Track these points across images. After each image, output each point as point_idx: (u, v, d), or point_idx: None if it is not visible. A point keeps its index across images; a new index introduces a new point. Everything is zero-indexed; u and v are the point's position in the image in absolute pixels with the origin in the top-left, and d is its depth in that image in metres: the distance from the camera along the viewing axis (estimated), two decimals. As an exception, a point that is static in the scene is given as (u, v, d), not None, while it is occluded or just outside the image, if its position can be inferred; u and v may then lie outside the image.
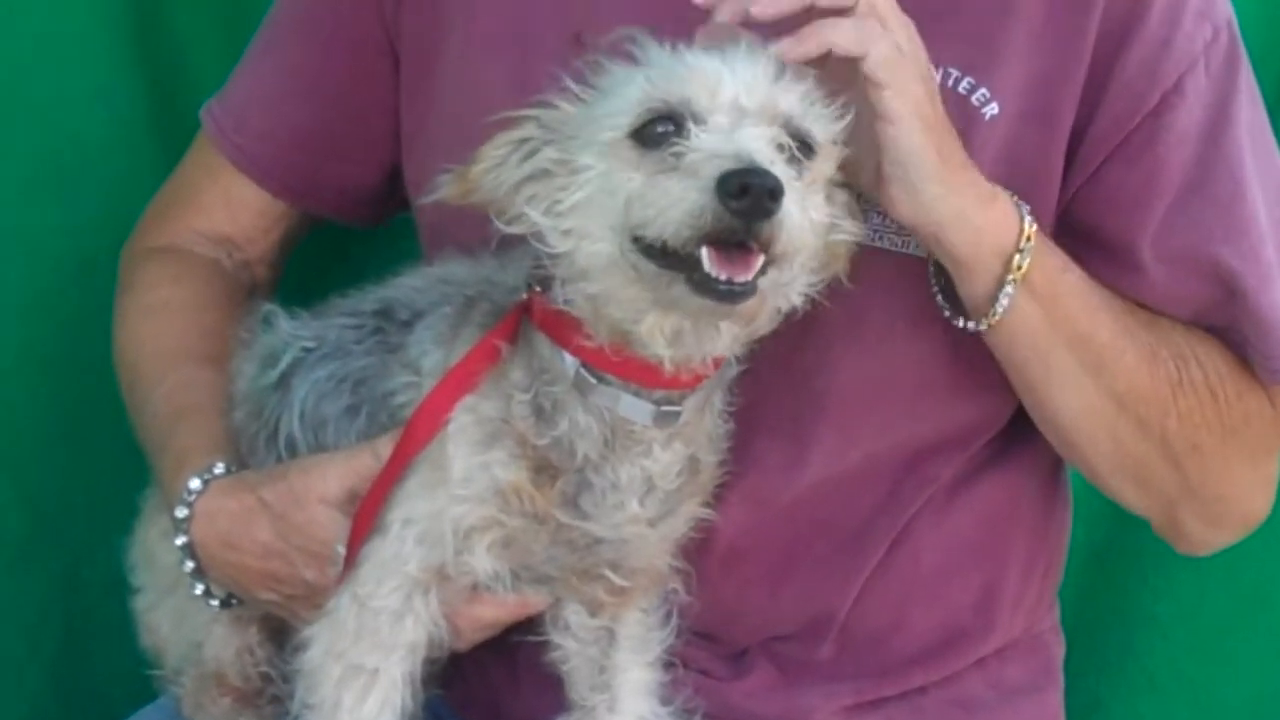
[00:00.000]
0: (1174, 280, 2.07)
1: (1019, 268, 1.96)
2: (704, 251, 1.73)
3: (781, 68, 1.82)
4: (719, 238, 1.73)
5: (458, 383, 1.94)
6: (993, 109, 2.04)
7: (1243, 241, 2.07)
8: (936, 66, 1.99)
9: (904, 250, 2.03)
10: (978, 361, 2.08)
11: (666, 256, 1.77)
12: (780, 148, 1.79)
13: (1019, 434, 2.21)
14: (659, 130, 1.79)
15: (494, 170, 1.87)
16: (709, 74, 1.80)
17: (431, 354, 2.00)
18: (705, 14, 1.86)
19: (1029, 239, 1.96)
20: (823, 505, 2.14)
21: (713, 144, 1.75)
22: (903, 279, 2.01)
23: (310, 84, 2.35)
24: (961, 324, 2.03)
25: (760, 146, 1.76)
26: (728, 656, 2.20)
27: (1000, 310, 1.98)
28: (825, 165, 1.86)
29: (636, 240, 1.79)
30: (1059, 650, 2.37)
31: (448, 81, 2.21)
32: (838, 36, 1.80)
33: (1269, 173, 2.12)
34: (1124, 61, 2.04)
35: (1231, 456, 2.13)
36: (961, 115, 2.02)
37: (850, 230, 1.91)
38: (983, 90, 2.04)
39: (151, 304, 2.34)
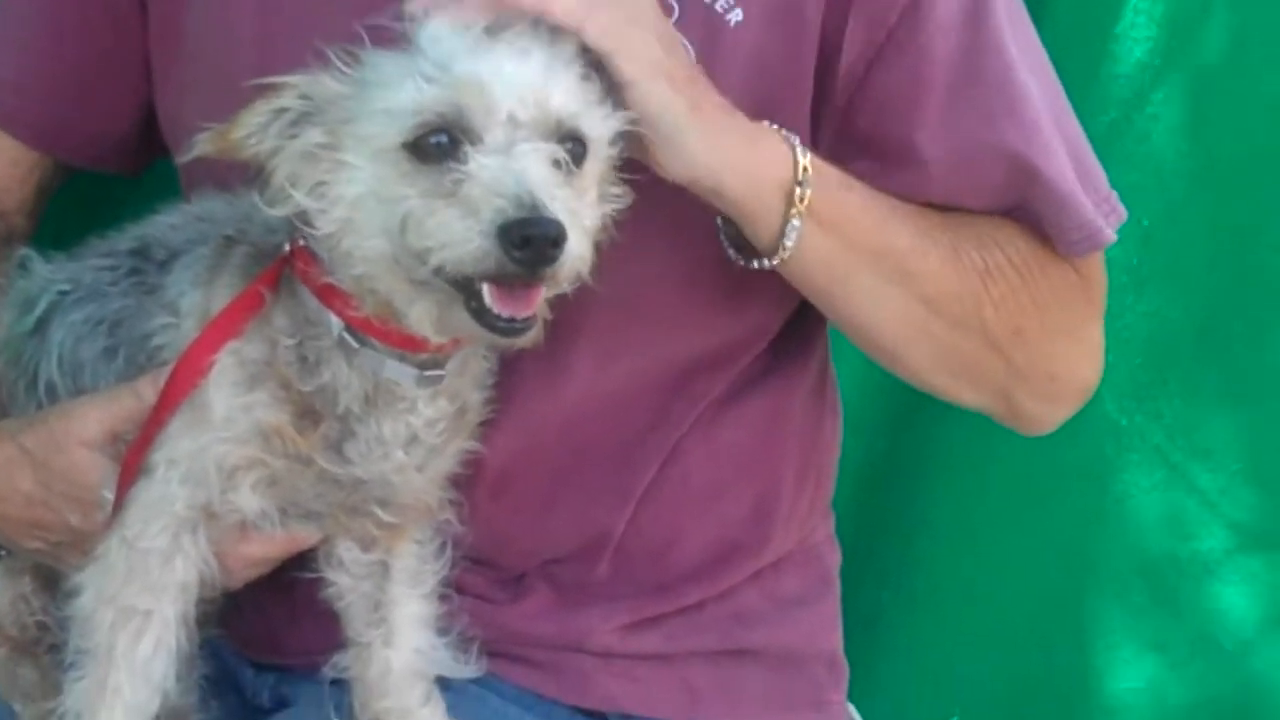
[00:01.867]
0: (961, 171, 2.09)
1: (801, 199, 1.96)
2: (485, 287, 1.75)
3: (553, 61, 1.82)
4: (501, 278, 1.74)
5: (221, 329, 1.93)
6: (737, 15, 2.04)
7: (1022, 118, 2.08)
8: None
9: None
10: (740, 277, 2.08)
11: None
12: (557, 163, 1.79)
13: (785, 347, 2.23)
14: (433, 141, 1.78)
15: (252, 137, 1.84)
16: (482, 83, 1.78)
17: (189, 295, 1.99)
18: None
19: (805, 169, 1.96)
20: (589, 426, 2.15)
21: (491, 175, 1.74)
22: (654, 194, 1.97)
23: (57, 30, 2.31)
24: (755, 265, 2.03)
25: (538, 173, 1.75)
26: (504, 581, 2.21)
27: (790, 245, 1.98)
28: (598, 162, 1.86)
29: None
30: (834, 560, 2.40)
31: (195, 18, 2.18)
32: (551, 7, 1.80)
33: (1031, 49, 2.15)
34: None
35: (1052, 332, 2.15)
36: (707, 24, 2.03)
37: (620, 202, 1.91)
38: None
39: None
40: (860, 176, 2.06)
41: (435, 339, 1.87)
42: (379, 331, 1.89)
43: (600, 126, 1.85)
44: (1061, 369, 2.19)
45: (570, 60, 1.84)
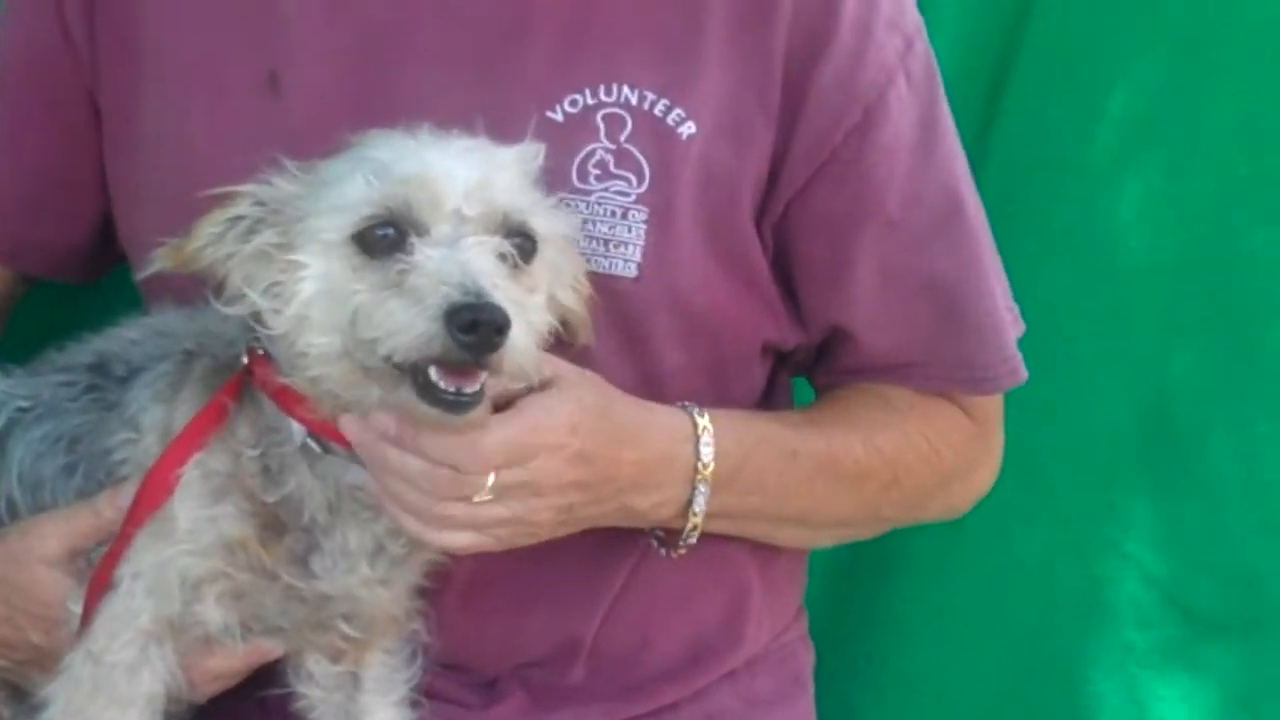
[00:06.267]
0: (891, 297, 2.12)
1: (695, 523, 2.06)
2: (432, 369, 1.76)
3: (497, 159, 1.86)
4: (447, 363, 1.75)
5: (187, 443, 1.94)
6: (689, 128, 2.06)
7: (962, 252, 2.13)
8: (632, 90, 2.04)
9: (609, 271, 2.04)
10: (698, 384, 2.11)
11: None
12: (503, 257, 1.81)
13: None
14: (380, 234, 1.81)
15: (209, 247, 1.87)
16: (429, 178, 1.82)
17: (150, 410, 1.99)
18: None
19: (694, 524, 2.06)
20: None
21: (437, 265, 1.77)
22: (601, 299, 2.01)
23: (11, 144, 2.30)
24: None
25: (484, 265, 1.78)
26: (478, 685, 2.20)
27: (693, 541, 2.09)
28: (547, 261, 1.88)
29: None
30: (808, 659, 2.40)
31: (149, 130, 2.18)
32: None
33: (970, 178, 2.19)
34: (818, 76, 2.07)
35: (954, 487, 2.25)
36: (658, 137, 2.05)
37: (579, 308, 1.94)
38: (678, 110, 2.06)
39: None
40: (797, 290, 2.12)
41: None
42: (339, 435, 1.89)
43: (548, 224, 1.88)
44: (959, 499, 2.29)
45: (513, 161, 1.88)
